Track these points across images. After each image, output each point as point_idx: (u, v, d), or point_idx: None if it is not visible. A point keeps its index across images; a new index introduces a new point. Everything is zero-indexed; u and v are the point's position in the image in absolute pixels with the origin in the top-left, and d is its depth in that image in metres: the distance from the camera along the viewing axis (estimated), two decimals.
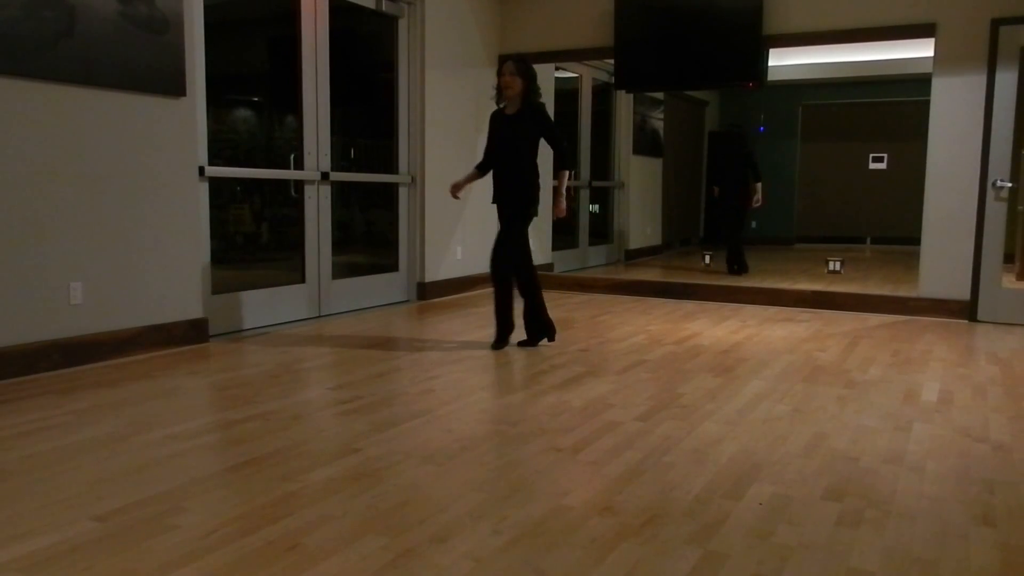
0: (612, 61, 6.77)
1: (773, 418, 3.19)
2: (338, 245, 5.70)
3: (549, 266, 7.75)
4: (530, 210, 4.38)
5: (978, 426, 3.12)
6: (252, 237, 5.42)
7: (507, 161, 4.35)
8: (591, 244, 8.88)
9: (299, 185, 5.34)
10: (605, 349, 4.53)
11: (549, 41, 6.87)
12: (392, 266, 6.27)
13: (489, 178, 4.53)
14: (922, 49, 6.81)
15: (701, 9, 6.27)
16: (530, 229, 4.49)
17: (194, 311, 4.50)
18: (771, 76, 7.26)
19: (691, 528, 2.14)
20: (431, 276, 6.42)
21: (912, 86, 9.70)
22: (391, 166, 6.22)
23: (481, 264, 6.70)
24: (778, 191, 10.87)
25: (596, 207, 9.02)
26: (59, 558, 1.94)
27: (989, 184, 5.49)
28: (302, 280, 5.41)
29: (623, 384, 3.72)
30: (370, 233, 6.41)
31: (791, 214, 11.54)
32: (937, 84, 5.61)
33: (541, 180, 4.44)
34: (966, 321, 5.62)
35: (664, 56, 6.46)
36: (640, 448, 2.79)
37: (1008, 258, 5.61)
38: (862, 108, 11.00)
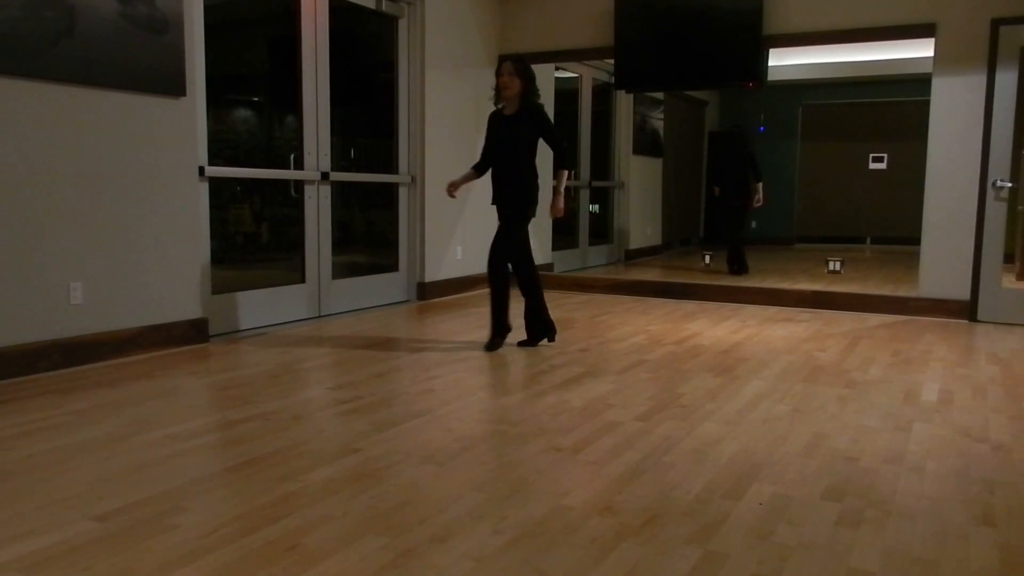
0: (612, 61, 6.77)
1: (773, 418, 3.19)
2: (338, 245, 5.70)
3: (549, 266, 7.75)
4: (529, 210, 4.37)
5: (978, 426, 3.12)
6: (252, 237, 5.42)
7: (506, 162, 4.35)
8: (591, 244, 8.88)
9: (299, 185, 5.34)
10: (605, 349, 4.53)
11: (549, 41, 6.88)
12: (392, 266, 6.27)
13: (488, 178, 4.53)
14: (922, 49, 6.83)
15: (701, 9, 6.27)
16: (530, 229, 4.49)
17: (194, 311, 4.50)
18: (771, 76, 7.26)
19: (691, 528, 2.14)
20: (431, 276, 6.42)
21: (912, 86, 9.70)
22: (391, 166, 6.22)
23: (481, 264, 6.70)
24: (778, 191, 10.87)
25: (596, 207, 9.02)
26: (59, 558, 1.94)
27: (989, 184, 5.49)
28: (302, 280, 5.41)
29: (623, 384, 3.72)
30: (370, 233, 6.41)
31: (791, 214, 11.54)
32: (937, 84, 5.61)
33: (540, 180, 4.43)
34: (966, 321, 5.62)
35: (664, 56, 6.46)
36: (640, 448, 2.80)
37: (1008, 258, 5.61)
38: (862, 108, 11.00)
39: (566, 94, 8.07)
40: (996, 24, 5.39)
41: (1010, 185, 5.44)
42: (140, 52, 4.05)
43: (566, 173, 4.34)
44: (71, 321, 3.90)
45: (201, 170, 4.57)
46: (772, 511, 2.26)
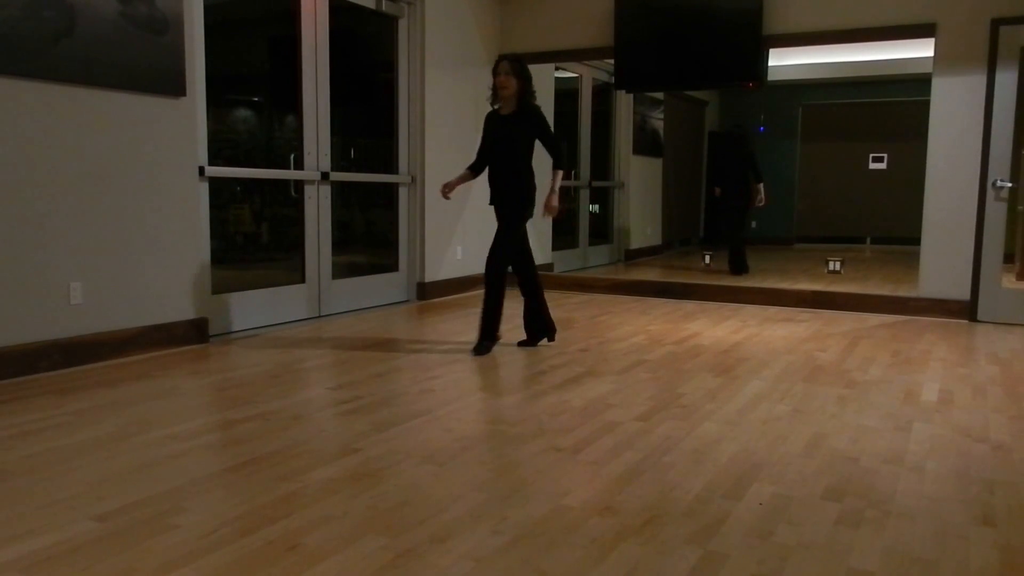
0: (612, 61, 6.77)
1: (773, 418, 3.19)
2: (338, 245, 5.70)
3: (549, 266, 7.75)
4: (527, 211, 4.36)
5: (978, 426, 3.12)
6: (252, 237, 5.42)
7: (503, 162, 4.33)
8: (591, 244, 8.88)
9: (299, 185, 5.34)
10: (605, 349, 4.53)
11: (549, 41, 6.88)
12: (392, 266, 6.27)
13: (487, 177, 4.51)
14: (922, 49, 6.82)
15: (701, 9, 6.27)
16: (530, 229, 4.48)
17: (194, 311, 4.50)
18: (771, 76, 7.26)
19: (691, 528, 2.14)
20: (431, 276, 6.42)
21: (912, 86, 9.70)
22: (391, 166, 6.22)
23: (481, 264, 6.70)
24: (778, 191, 10.86)
25: (596, 207, 9.02)
26: (59, 558, 1.94)
27: (989, 184, 5.49)
28: (302, 280, 5.41)
29: (623, 384, 3.72)
30: (370, 233, 6.41)
31: (791, 214, 11.54)
32: (937, 84, 5.61)
33: (537, 180, 4.42)
34: (966, 321, 5.62)
35: (664, 56, 6.46)
36: (640, 448, 2.79)
37: (1008, 258, 5.61)
38: (862, 108, 11.00)
39: (566, 94, 8.07)
40: (996, 24, 5.39)
41: (1010, 185, 5.44)
42: (140, 52, 4.05)
43: (561, 174, 4.33)
44: (71, 321, 3.90)
45: (201, 170, 4.57)
46: (772, 511, 2.26)
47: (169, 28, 4.18)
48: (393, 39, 6.11)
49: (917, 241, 5.83)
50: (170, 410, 3.21)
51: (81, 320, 3.94)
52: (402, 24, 6.11)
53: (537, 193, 4.40)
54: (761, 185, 7.97)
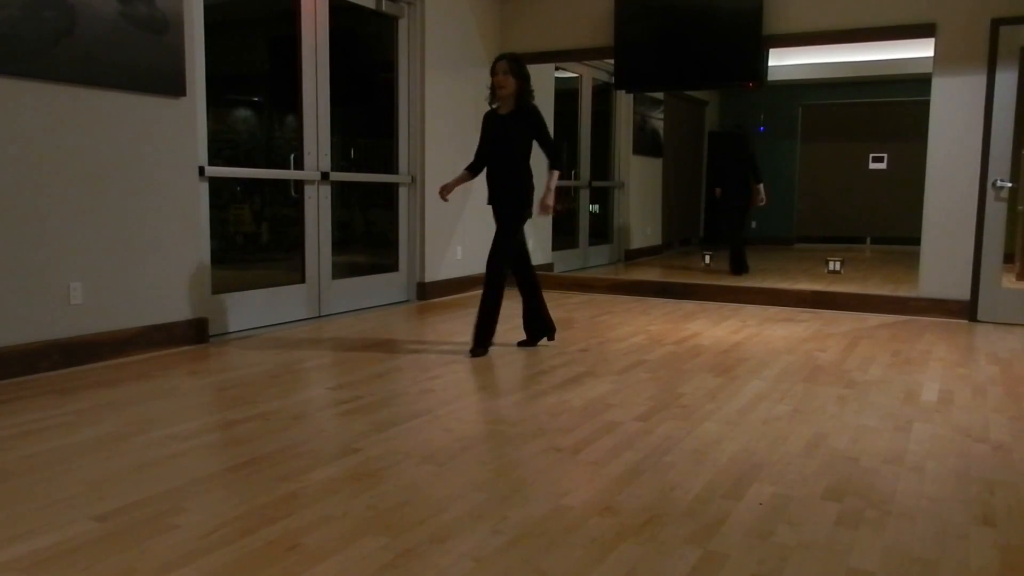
0: (612, 61, 6.77)
1: (773, 418, 3.19)
2: (338, 245, 5.70)
3: (549, 266, 7.75)
4: (525, 211, 4.34)
5: (978, 426, 3.12)
6: (252, 237, 5.42)
7: (501, 162, 4.31)
8: (591, 244, 8.88)
9: (299, 185, 5.34)
10: (605, 349, 4.53)
11: (549, 41, 6.88)
12: (392, 266, 6.27)
13: (485, 177, 4.50)
14: (922, 49, 6.82)
15: (701, 9, 6.27)
16: (531, 229, 4.48)
17: (194, 311, 4.50)
18: (771, 76, 7.26)
19: (691, 528, 2.14)
20: (431, 276, 6.42)
21: (912, 86, 9.70)
22: (391, 166, 6.22)
23: (481, 264, 6.70)
24: (778, 191, 10.87)
25: (596, 207, 9.02)
26: (59, 558, 1.94)
27: (989, 184, 5.49)
28: (302, 280, 5.41)
29: (623, 384, 3.72)
30: (370, 233, 6.41)
31: (791, 214, 11.54)
32: (937, 84, 5.61)
33: (536, 180, 4.41)
34: (966, 321, 5.62)
35: (664, 56, 6.46)
36: (640, 448, 2.79)
37: (1008, 258, 5.61)
38: (862, 108, 11.00)
39: (566, 94, 8.07)
40: (996, 24, 5.39)
41: (1010, 185, 5.44)
42: (140, 52, 4.05)
43: (557, 174, 4.31)
44: (71, 321, 3.90)
45: (201, 170, 4.57)
46: (772, 511, 2.26)
47: (169, 28, 4.18)
48: (393, 39, 6.11)
49: (917, 241, 5.83)
50: (170, 410, 3.21)
51: (81, 320, 3.94)
52: (402, 24, 6.11)
53: (535, 193, 4.40)
54: (761, 185, 7.99)
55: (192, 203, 4.45)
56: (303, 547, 2.00)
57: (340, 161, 5.73)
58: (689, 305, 6.30)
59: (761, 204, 8.05)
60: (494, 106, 4.38)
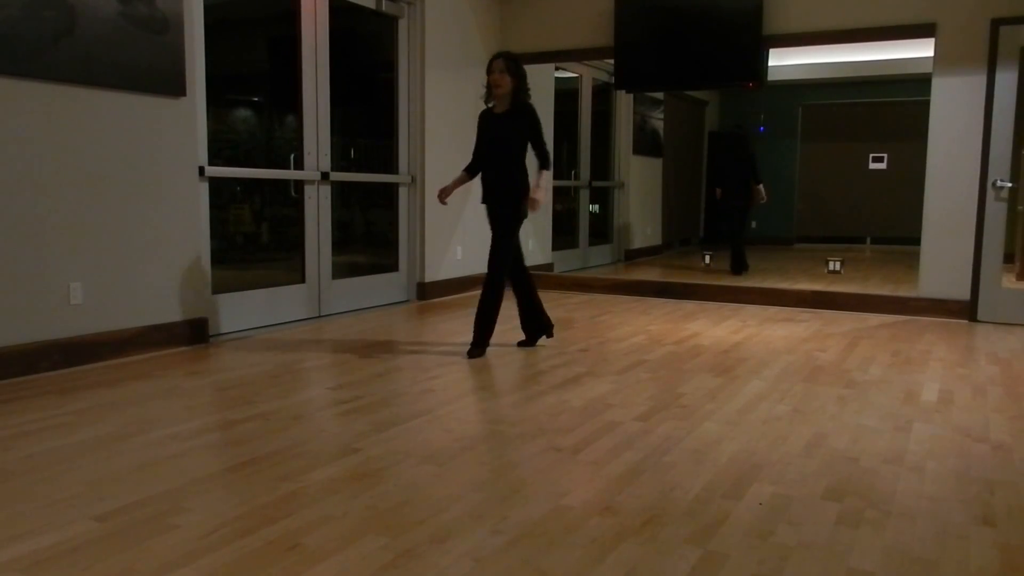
0: (612, 61, 6.77)
1: (773, 418, 3.19)
2: (338, 245, 5.70)
3: (549, 266, 7.74)
4: (521, 211, 4.32)
5: (978, 426, 3.12)
6: (252, 237, 5.42)
7: (497, 161, 4.29)
8: (591, 244, 8.88)
9: (299, 185, 5.34)
10: (605, 349, 4.53)
11: (549, 41, 6.87)
12: (392, 266, 6.27)
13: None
14: (922, 49, 6.82)
15: (701, 9, 6.27)
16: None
17: (194, 311, 4.50)
18: (771, 76, 7.25)
19: (691, 528, 2.14)
20: (431, 276, 6.42)
21: (912, 86, 9.70)
22: (391, 166, 6.22)
23: (481, 264, 6.70)
24: (778, 191, 10.87)
25: (596, 207, 9.02)
26: (59, 558, 1.94)
27: (989, 184, 5.49)
28: (302, 280, 5.41)
29: (623, 384, 3.72)
30: (370, 233, 6.41)
31: (791, 214, 11.54)
32: (937, 84, 5.61)
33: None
34: (966, 321, 5.62)
35: (664, 56, 6.46)
36: (640, 448, 2.79)
37: (1008, 258, 5.61)
38: (862, 108, 11.00)
39: (566, 94, 8.07)
40: (996, 24, 5.39)
41: (1010, 185, 5.44)
42: (140, 52, 4.05)
43: (547, 174, 4.31)
44: (71, 321, 3.90)
45: (201, 170, 4.57)
46: (772, 511, 2.26)
47: (169, 28, 4.18)
48: (393, 39, 6.11)
49: (917, 241, 5.83)
50: (170, 410, 3.21)
51: (81, 320, 3.94)
52: (402, 24, 6.11)
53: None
54: (760, 186, 8.00)
55: (192, 203, 4.45)
56: (303, 547, 2.00)
57: (340, 161, 5.73)
58: (689, 305, 6.30)
59: (762, 202, 8.07)
60: (490, 105, 4.36)
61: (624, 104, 9.06)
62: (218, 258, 4.83)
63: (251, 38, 5.40)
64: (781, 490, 2.42)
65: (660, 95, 9.78)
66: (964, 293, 5.64)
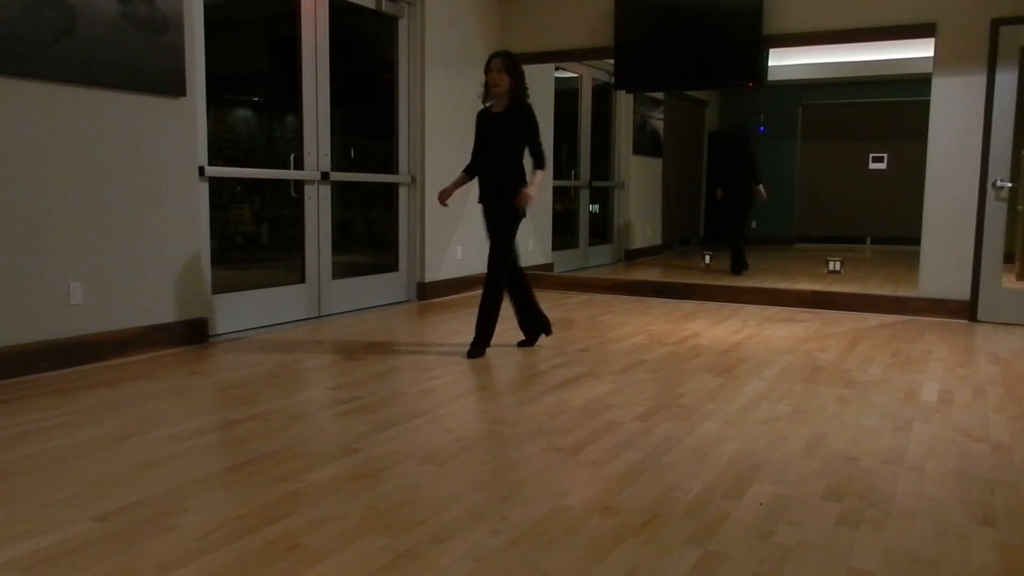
0: (612, 61, 6.77)
1: (773, 418, 3.19)
2: (338, 245, 5.70)
3: (549, 266, 7.74)
4: (520, 210, 4.32)
5: (978, 426, 3.12)
6: (252, 237, 5.42)
7: (495, 160, 4.28)
8: (591, 244, 8.88)
9: (299, 185, 5.34)
10: (605, 349, 4.53)
11: (549, 41, 6.87)
12: (392, 266, 6.27)
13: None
14: (922, 49, 6.82)
15: (701, 9, 6.27)
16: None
17: (194, 311, 4.50)
18: (771, 76, 7.27)
19: (691, 528, 2.14)
20: (431, 276, 6.42)
21: (912, 86, 9.70)
22: (391, 166, 6.22)
23: (481, 264, 6.70)
24: (778, 191, 10.87)
25: (596, 207, 9.02)
26: (59, 558, 1.94)
27: (989, 184, 5.49)
28: (302, 280, 5.41)
29: (623, 384, 3.72)
30: (370, 233, 6.41)
31: (791, 214, 11.54)
32: (937, 84, 5.61)
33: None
34: (966, 321, 5.61)
35: (664, 56, 6.46)
36: (640, 448, 2.79)
37: (1008, 258, 5.61)
38: (862, 108, 11.00)
39: (566, 94, 8.07)
40: (996, 24, 5.39)
41: (1010, 185, 5.44)
42: (140, 52, 4.05)
43: (542, 174, 4.31)
44: (71, 321, 3.90)
45: (201, 170, 4.57)
46: (772, 511, 2.26)
47: (169, 28, 4.18)
48: (393, 39, 6.11)
49: (917, 241, 5.83)
50: (170, 410, 3.21)
51: (81, 320, 3.94)
52: (402, 24, 6.11)
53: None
54: (760, 186, 8.02)
55: (192, 203, 4.45)
56: (303, 547, 2.00)
57: (340, 161, 5.73)
58: (689, 305, 6.30)
59: (763, 200, 8.11)
60: (488, 104, 4.36)
61: (624, 104, 9.06)
62: (218, 258, 4.83)
63: (251, 38, 5.40)
64: (781, 490, 2.42)
65: (660, 95, 9.78)
66: (964, 293, 5.64)
